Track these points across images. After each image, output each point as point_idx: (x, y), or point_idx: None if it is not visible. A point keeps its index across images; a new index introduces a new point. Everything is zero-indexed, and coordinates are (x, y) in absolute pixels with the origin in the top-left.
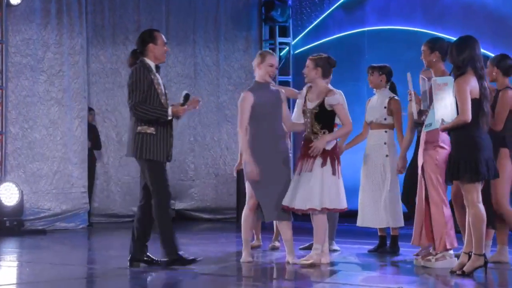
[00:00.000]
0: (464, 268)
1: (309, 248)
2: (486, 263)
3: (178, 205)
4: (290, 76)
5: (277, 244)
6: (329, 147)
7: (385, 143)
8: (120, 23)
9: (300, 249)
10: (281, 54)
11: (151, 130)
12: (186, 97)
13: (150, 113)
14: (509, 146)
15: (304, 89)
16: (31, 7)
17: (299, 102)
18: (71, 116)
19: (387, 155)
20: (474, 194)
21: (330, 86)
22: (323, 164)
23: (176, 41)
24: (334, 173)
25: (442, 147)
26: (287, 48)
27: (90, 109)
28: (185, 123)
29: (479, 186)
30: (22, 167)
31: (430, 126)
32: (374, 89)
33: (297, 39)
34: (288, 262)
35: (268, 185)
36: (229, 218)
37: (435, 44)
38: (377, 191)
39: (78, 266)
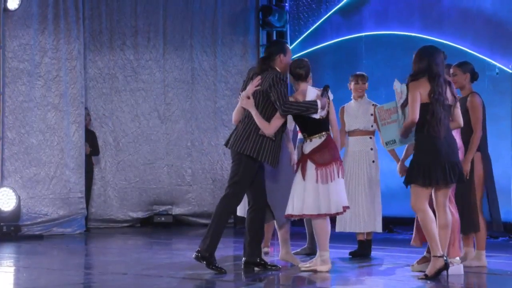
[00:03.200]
0: (426, 271)
1: (300, 253)
2: (446, 264)
3: (175, 210)
4: (288, 82)
5: (266, 249)
6: (306, 151)
7: (371, 149)
8: (117, 28)
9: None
10: None
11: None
12: (326, 88)
13: (302, 106)
14: (480, 149)
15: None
16: (28, 12)
17: None
18: (68, 121)
19: (373, 161)
20: (423, 199)
21: (305, 86)
22: (296, 170)
23: (174, 46)
24: (303, 178)
25: None
26: None
27: (86, 114)
28: (183, 128)
29: (428, 192)
30: (19, 172)
31: (394, 143)
32: (355, 97)
33: (294, 44)
34: (287, 261)
35: (276, 188)
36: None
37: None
38: (360, 196)
39: (75, 271)
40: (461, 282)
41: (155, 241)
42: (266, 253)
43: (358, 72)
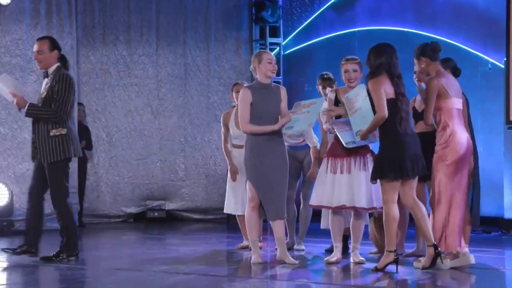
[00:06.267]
0: (377, 265)
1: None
2: (397, 259)
3: (169, 205)
4: (281, 76)
5: (246, 243)
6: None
7: None
8: (110, 23)
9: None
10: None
11: None
12: None
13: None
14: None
15: (331, 94)
16: (20, 7)
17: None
18: None
19: None
20: (391, 193)
21: None
22: (370, 162)
23: (167, 41)
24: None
25: (450, 148)
26: (278, 48)
27: (81, 109)
28: (176, 124)
29: (397, 186)
30: (11, 167)
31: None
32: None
33: (287, 39)
34: (284, 261)
35: (268, 184)
36: (220, 218)
37: (420, 51)
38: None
39: (68, 266)
40: (447, 276)
41: (148, 236)
42: (260, 248)
43: (325, 76)
